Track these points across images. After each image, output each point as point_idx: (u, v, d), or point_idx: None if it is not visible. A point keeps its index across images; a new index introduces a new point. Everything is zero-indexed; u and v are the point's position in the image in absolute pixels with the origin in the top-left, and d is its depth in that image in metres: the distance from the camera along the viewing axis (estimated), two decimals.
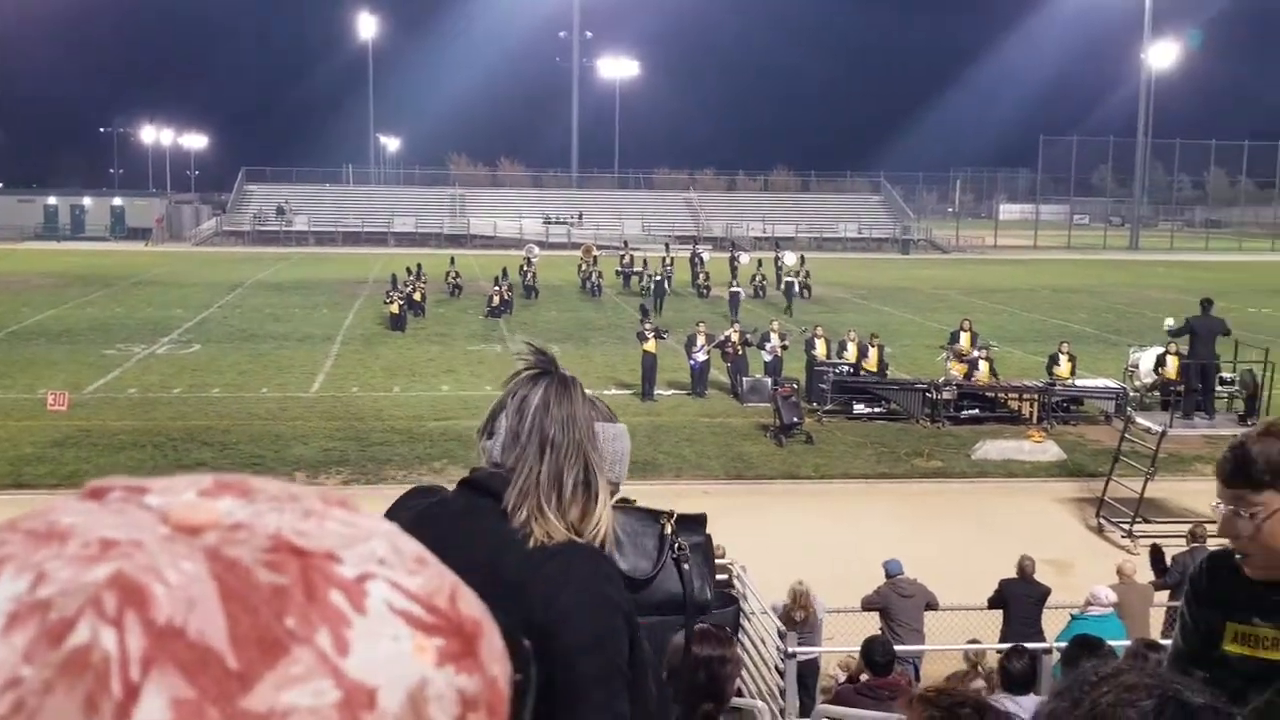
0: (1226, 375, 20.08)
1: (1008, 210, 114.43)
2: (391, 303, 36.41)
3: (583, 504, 2.29)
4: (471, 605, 0.65)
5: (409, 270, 40.70)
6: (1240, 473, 2.43)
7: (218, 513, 0.61)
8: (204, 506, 0.61)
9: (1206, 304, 19.36)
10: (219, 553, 0.58)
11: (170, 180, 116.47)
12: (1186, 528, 15.42)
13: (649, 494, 13.86)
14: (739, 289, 41.49)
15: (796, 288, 44.41)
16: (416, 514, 2.29)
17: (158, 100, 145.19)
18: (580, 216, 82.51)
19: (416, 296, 38.64)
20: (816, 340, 25.98)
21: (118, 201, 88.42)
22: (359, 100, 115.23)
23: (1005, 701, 6.22)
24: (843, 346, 26.00)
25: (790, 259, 49.88)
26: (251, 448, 21.06)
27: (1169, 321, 23.73)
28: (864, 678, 9.12)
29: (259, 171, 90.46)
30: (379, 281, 45.42)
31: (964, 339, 26.76)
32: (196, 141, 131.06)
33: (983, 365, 24.82)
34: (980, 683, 9.22)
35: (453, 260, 47.32)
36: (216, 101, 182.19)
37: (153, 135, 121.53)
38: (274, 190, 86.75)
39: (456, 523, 2.25)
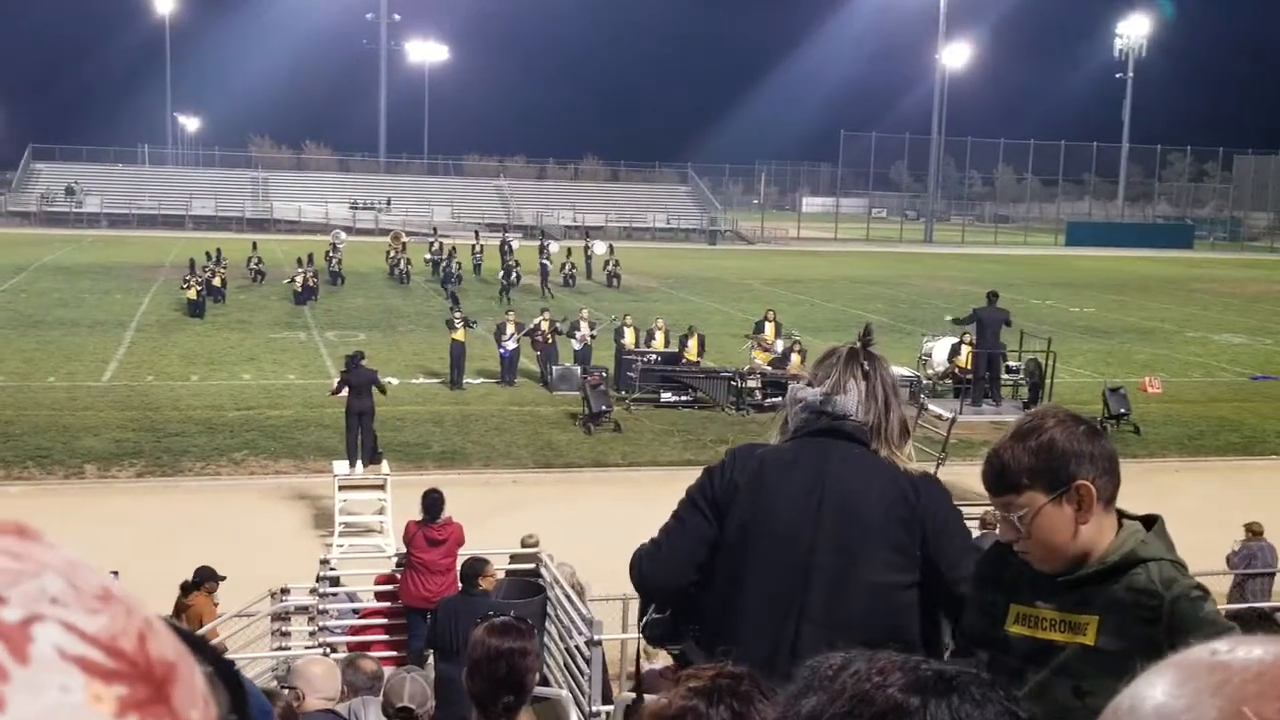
0: (1012, 364, 21.09)
1: (810, 203, 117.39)
2: (189, 288, 35.20)
3: (907, 441, 3.21)
4: (164, 646, 0.58)
5: (209, 255, 39.40)
6: (1000, 480, 2.58)
7: None
8: None
9: (992, 296, 20.28)
10: None
11: None
12: (973, 511, 16.18)
13: (457, 484, 13.75)
14: (516, 269, 41.69)
15: (563, 274, 44.71)
16: (803, 448, 3.12)
17: None
18: (388, 202, 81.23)
19: (216, 282, 37.47)
20: (625, 329, 26.22)
21: None
22: (156, 77, 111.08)
23: None
24: (651, 335, 26.30)
25: (600, 248, 50.20)
26: (37, 439, 20.08)
27: (948, 318, 24.76)
28: (665, 663, 9.25)
29: (47, 149, 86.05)
30: (176, 266, 43.80)
31: (769, 329, 27.36)
32: None
33: (794, 357, 25.41)
34: None
35: (255, 245, 45.99)
36: (0, 75, 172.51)
37: None
38: (63, 169, 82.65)
39: (859, 455, 3.09)
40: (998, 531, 2.66)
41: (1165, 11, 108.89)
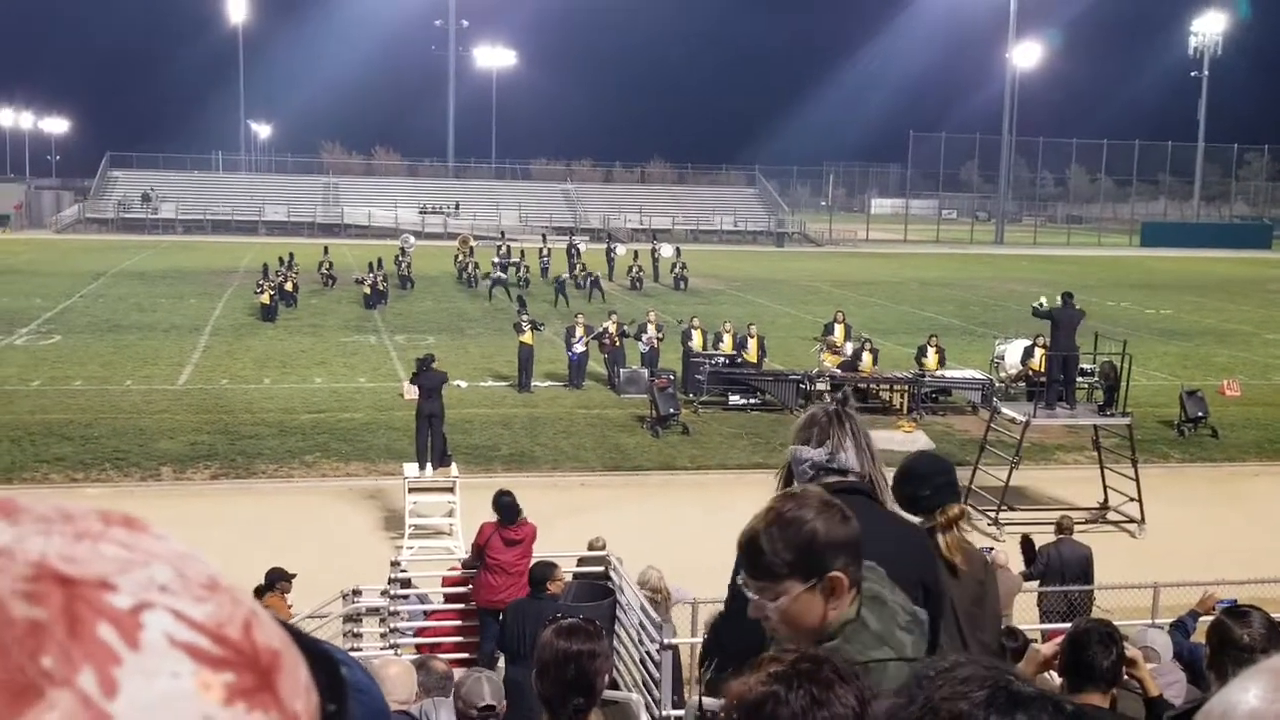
0: (1087, 366, 20.73)
1: (879, 204, 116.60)
2: (262, 293, 35.69)
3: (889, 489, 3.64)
4: (269, 634, 0.58)
5: (281, 260, 39.91)
6: (758, 567, 2.57)
7: None
8: None
9: (1067, 297, 19.89)
10: None
11: (30, 165, 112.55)
12: (1048, 515, 15.93)
13: (525, 486, 13.73)
14: (565, 276, 41.81)
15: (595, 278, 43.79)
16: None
17: (16, 82, 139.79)
18: (457, 206, 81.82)
19: (288, 287, 37.95)
20: (693, 332, 26.17)
21: None
22: (229, 85, 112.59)
23: None
24: (718, 338, 26.23)
25: (667, 251, 50.23)
26: (115, 441, 20.45)
27: (1043, 299, 24.20)
28: None
29: (124, 157, 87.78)
30: (249, 271, 44.47)
31: (838, 331, 27.19)
32: (57, 125, 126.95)
33: (865, 357, 25.26)
34: None
35: (326, 250, 46.55)
36: (79, 84, 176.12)
37: (10, 118, 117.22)
38: (140, 176, 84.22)
39: (882, 513, 3.49)
40: (749, 610, 2.63)
41: (1241, 10, 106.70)
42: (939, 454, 5.29)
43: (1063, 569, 12.64)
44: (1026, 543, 13.15)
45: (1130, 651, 4.38)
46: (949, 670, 1.17)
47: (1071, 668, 4.20)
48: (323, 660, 0.68)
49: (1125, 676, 4.41)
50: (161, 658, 0.54)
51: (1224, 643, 4.26)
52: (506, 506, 11.41)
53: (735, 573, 3.47)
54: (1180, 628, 9.12)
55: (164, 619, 0.55)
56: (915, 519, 3.83)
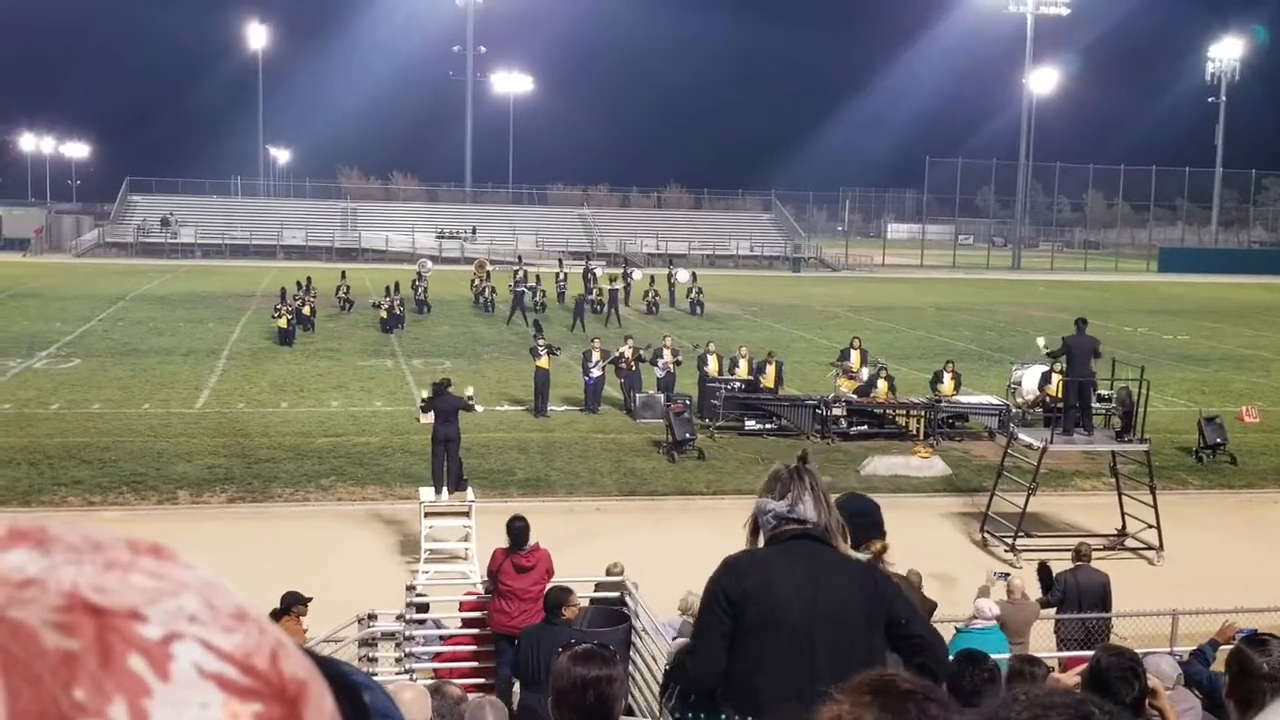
0: (1104, 392, 20.64)
1: (895, 229, 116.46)
2: (280, 317, 35.80)
3: (846, 536, 4.11)
4: (296, 664, 0.59)
5: (299, 284, 40.02)
6: None
7: (6, 568, 0.55)
8: None
9: (1081, 323, 19.81)
10: (1, 615, 0.53)
11: (50, 190, 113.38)
12: (1066, 542, 15.83)
13: (541, 511, 13.75)
14: (585, 300, 41.83)
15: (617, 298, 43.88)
16: (789, 552, 3.95)
17: (37, 107, 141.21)
18: (474, 231, 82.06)
19: (306, 311, 38.04)
20: (709, 356, 26.15)
21: None
22: (248, 111, 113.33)
23: None
24: (734, 363, 26.21)
25: (683, 276, 50.24)
26: (132, 465, 20.51)
27: (1041, 340, 24.23)
28: None
29: (144, 182, 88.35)
30: (267, 295, 44.61)
31: (854, 356, 27.12)
32: (78, 150, 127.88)
33: (881, 383, 25.17)
34: None
35: (344, 274, 46.67)
36: (100, 110, 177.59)
37: (32, 143, 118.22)
38: (159, 201, 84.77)
39: (834, 556, 3.98)
40: None
41: (1259, 36, 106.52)
42: (866, 495, 5.66)
43: (1080, 596, 12.57)
44: (1044, 569, 13.07)
45: (1151, 682, 4.36)
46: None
47: None
48: (347, 687, 0.69)
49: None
50: (191, 688, 0.54)
51: (1243, 671, 4.23)
52: (516, 532, 11.41)
53: (705, 607, 4.03)
54: (1200, 656, 9.06)
55: (193, 649, 0.55)
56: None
